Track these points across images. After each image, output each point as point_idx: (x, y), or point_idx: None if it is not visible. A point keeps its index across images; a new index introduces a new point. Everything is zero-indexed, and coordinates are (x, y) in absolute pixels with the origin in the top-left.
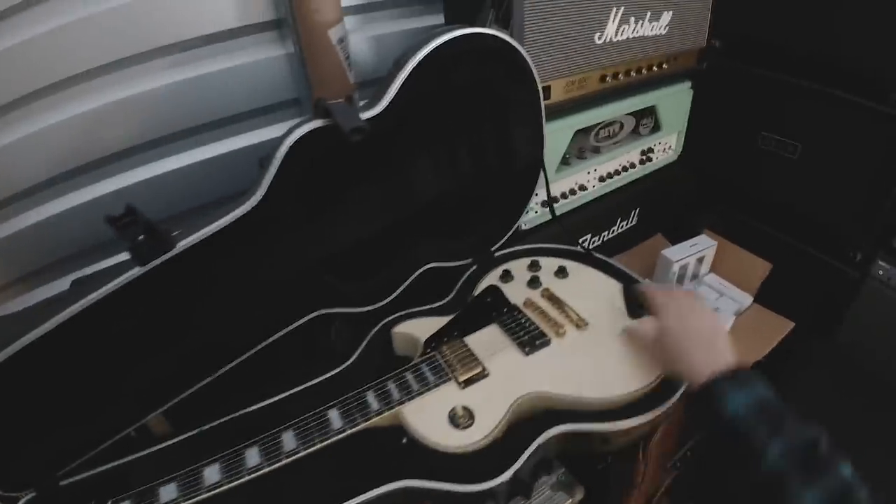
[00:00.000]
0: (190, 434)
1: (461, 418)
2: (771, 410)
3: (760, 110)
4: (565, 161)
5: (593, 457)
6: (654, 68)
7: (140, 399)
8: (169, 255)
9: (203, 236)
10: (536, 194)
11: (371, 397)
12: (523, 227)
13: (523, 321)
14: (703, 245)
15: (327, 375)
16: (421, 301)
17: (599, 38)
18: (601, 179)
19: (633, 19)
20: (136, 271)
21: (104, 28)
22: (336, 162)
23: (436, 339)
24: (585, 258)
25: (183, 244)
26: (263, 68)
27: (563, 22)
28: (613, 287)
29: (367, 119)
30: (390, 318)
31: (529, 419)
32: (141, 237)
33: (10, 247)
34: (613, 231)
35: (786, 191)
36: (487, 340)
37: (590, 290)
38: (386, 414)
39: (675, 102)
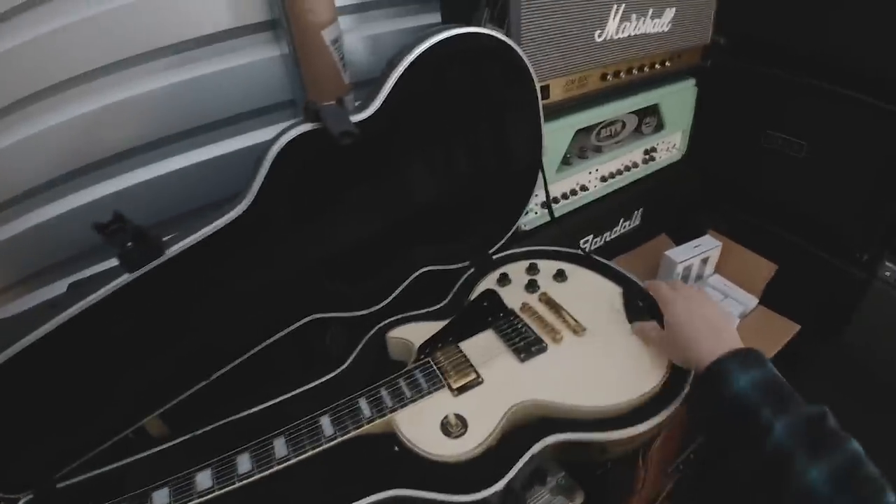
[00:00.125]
0: (184, 438)
1: (454, 427)
2: (777, 389)
3: (766, 108)
4: (566, 161)
5: (592, 462)
6: (657, 66)
7: (136, 402)
8: (159, 260)
9: (193, 241)
10: (536, 195)
11: (363, 404)
12: (523, 228)
13: (520, 327)
14: (708, 246)
15: (321, 380)
16: (418, 304)
17: (600, 36)
18: (603, 179)
19: (634, 16)
20: (127, 277)
21: (99, 31)
22: (328, 165)
23: (430, 345)
24: (585, 261)
25: (173, 250)
26: (259, 70)
27: (562, 20)
28: (613, 291)
29: (359, 121)
30: (385, 322)
31: (524, 427)
32: (129, 244)
33: (10, 249)
34: (616, 231)
35: (791, 190)
36: (483, 346)
37: (589, 295)
38: (378, 421)
39: (678, 101)
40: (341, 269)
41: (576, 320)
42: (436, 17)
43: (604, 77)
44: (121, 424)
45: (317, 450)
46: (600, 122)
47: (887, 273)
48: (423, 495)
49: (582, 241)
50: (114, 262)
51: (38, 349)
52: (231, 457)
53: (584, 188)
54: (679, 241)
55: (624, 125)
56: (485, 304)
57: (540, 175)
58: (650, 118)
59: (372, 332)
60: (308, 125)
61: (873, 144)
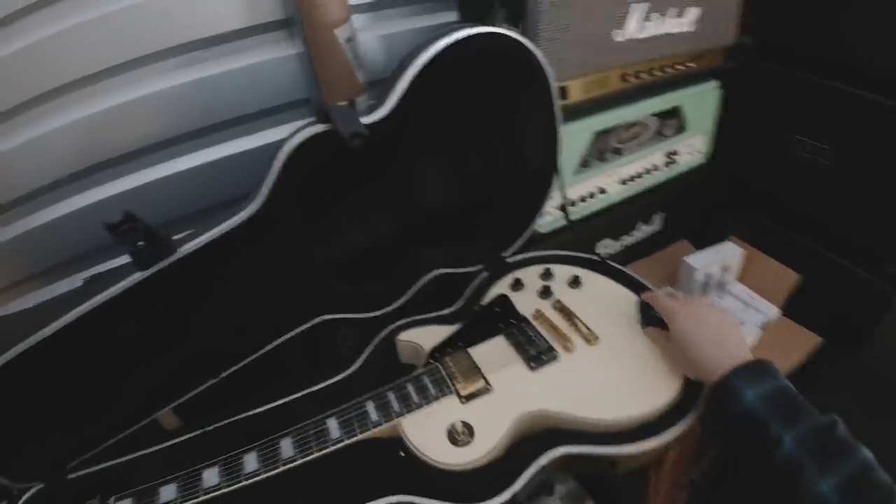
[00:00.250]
0: (193, 434)
1: (460, 434)
2: (785, 400)
3: (792, 113)
4: (584, 163)
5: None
6: (679, 67)
7: (145, 398)
8: (170, 260)
9: (205, 241)
10: (552, 198)
11: (371, 407)
12: (540, 231)
13: (531, 334)
14: (730, 252)
15: (330, 381)
16: (431, 307)
17: (620, 36)
18: (622, 182)
19: (656, 15)
20: (137, 276)
21: (111, 30)
22: (339, 166)
23: (440, 350)
24: (601, 267)
25: (184, 249)
26: (272, 68)
27: (580, 19)
28: (629, 299)
29: (370, 123)
30: (395, 325)
31: (532, 438)
32: (141, 243)
33: (20, 246)
34: (634, 236)
35: (817, 198)
36: (493, 353)
37: (603, 302)
38: (384, 426)
39: (701, 103)
40: (351, 270)
41: (589, 329)
42: (453, 15)
43: (624, 78)
44: (130, 419)
45: (323, 452)
46: (620, 124)
47: None
48: (425, 503)
49: (600, 245)
50: (129, 258)
51: (50, 344)
52: (238, 455)
53: (602, 191)
54: (700, 246)
55: (645, 127)
56: (497, 309)
57: (556, 177)
58: (672, 120)
59: (382, 334)
60: (319, 127)
61: None
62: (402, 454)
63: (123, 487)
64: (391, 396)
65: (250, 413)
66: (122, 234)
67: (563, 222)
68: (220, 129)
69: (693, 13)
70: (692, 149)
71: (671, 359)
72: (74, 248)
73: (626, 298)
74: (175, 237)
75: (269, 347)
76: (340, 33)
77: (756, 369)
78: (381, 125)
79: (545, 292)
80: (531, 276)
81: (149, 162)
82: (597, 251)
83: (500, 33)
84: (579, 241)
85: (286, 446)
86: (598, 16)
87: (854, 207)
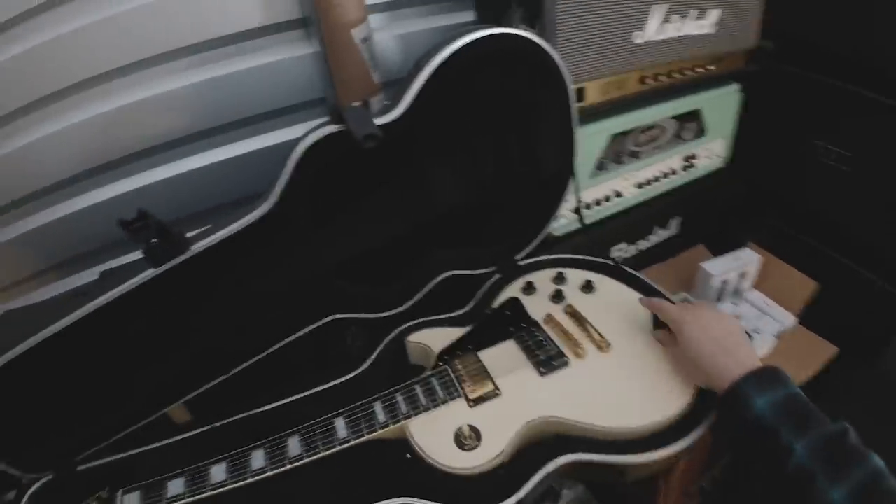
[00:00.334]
0: (202, 430)
1: (467, 439)
2: (796, 408)
3: (814, 118)
4: (601, 166)
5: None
6: (699, 70)
7: (156, 393)
8: (183, 257)
9: (217, 240)
10: (567, 200)
11: (378, 408)
12: (554, 234)
13: (542, 339)
14: (747, 259)
15: (340, 380)
16: (442, 308)
17: (639, 38)
18: (639, 186)
19: (676, 17)
20: (149, 273)
21: (129, 27)
22: (351, 167)
23: (449, 352)
24: (615, 272)
25: (197, 247)
26: (288, 68)
27: (599, 20)
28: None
29: (384, 124)
30: (405, 325)
31: (540, 444)
32: (154, 240)
33: (36, 239)
34: (650, 240)
35: (838, 205)
36: (502, 357)
37: (616, 308)
38: (391, 427)
39: (721, 106)
40: (362, 270)
41: (601, 335)
42: (470, 15)
43: (642, 80)
44: (141, 413)
45: (329, 451)
46: (638, 127)
47: None
48: None
49: (615, 249)
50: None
51: (63, 338)
52: (246, 452)
53: (618, 194)
54: (717, 251)
55: (663, 130)
56: (508, 312)
57: (571, 180)
58: (691, 123)
59: (392, 335)
60: (332, 127)
61: None
62: (409, 456)
63: (132, 480)
64: (399, 398)
65: (259, 410)
66: (135, 230)
67: (577, 225)
68: (235, 127)
69: (714, 15)
70: (711, 153)
71: (680, 366)
72: (92, 242)
73: (639, 304)
74: (189, 234)
75: (279, 346)
76: (357, 33)
77: (765, 376)
78: (395, 126)
79: (557, 296)
80: (543, 279)
81: (164, 159)
82: (611, 255)
83: (516, 34)
84: (593, 244)
85: (293, 444)
86: (616, 17)
87: (874, 216)
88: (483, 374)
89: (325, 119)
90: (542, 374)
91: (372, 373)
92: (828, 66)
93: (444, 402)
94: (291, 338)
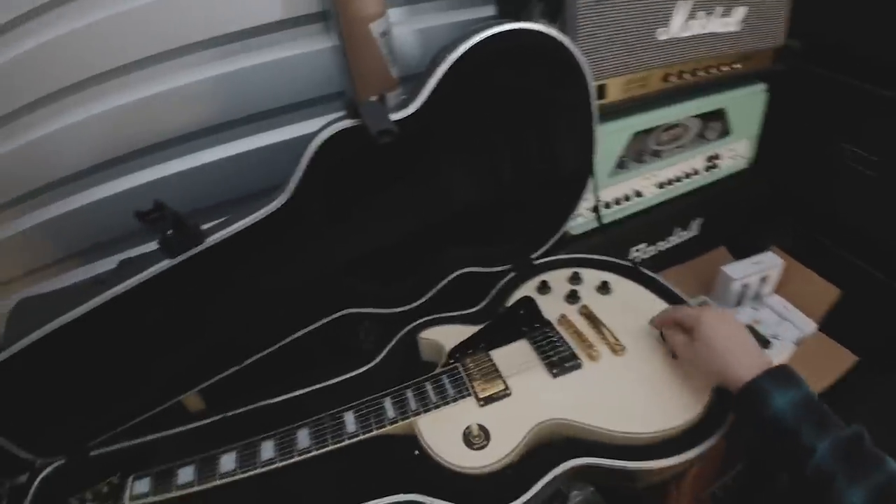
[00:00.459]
0: (213, 419)
1: (476, 438)
2: (815, 409)
3: (840, 120)
4: (621, 164)
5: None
6: (724, 68)
7: (170, 382)
8: (198, 249)
9: (232, 232)
10: (586, 199)
11: (388, 404)
12: (571, 233)
13: (555, 339)
14: (769, 263)
15: (351, 374)
16: (456, 305)
17: (663, 34)
18: (660, 186)
19: (701, 14)
20: (165, 263)
21: (149, 20)
22: (367, 162)
23: (461, 350)
24: (632, 273)
25: (212, 239)
26: (306, 62)
27: (622, 15)
28: (660, 308)
29: (399, 120)
30: (418, 322)
31: (549, 446)
32: (169, 231)
33: (53, 229)
34: (670, 241)
35: (863, 210)
36: (514, 356)
37: (632, 311)
38: (400, 423)
39: (746, 106)
40: (376, 266)
41: (616, 338)
42: (490, 10)
43: (666, 78)
44: (155, 401)
45: (338, 445)
46: (660, 126)
47: None
48: None
49: (634, 250)
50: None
51: (79, 325)
52: (256, 442)
53: (638, 194)
54: (738, 254)
55: (686, 129)
56: (521, 312)
57: (590, 179)
58: (715, 123)
59: (404, 331)
60: (347, 122)
61: None
62: (417, 453)
63: (143, 467)
64: (409, 394)
65: (270, 402)
66: (151, 221)
67: (594, 224)
68: (253, 121)
69: (740, 12)
70: (735, 153)
71: (694, 367)
72: (110, 232)
73: (656, 307)
74: (205, 226)
75: (291, 338)
76: (375, 27)
77: (782, 375)
78: (411, 122)
79: (572, 297)
80: (559, 279)
81: (182, 151)
82: (630, 255)
83: (536, 30)
84: (611, 244)
85: (302, 437)
86: (640, 12)
87: None
88: (494, 374)
89: (341, 114)
90: (554, 375)
91: (383, 368)
92: (856, 67)
93: (454, 400)
94: (305, 330)
